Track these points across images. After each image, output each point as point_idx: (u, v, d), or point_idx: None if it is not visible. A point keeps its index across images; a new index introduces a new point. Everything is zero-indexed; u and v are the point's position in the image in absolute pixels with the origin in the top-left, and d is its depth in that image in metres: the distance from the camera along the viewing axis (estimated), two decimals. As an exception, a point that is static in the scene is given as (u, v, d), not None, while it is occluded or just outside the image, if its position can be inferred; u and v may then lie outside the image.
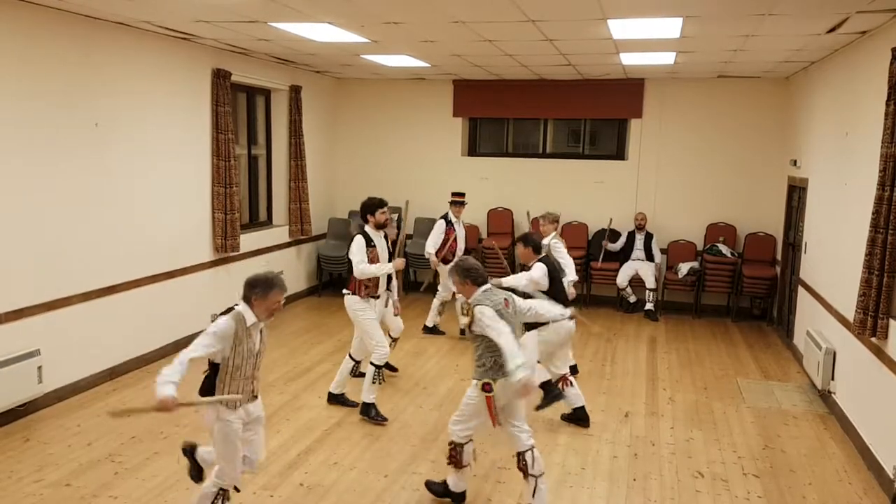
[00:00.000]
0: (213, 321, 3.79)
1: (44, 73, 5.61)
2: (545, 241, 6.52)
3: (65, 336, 5.93)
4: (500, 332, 3.95)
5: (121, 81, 6.42)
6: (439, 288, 8.25)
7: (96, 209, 6.23)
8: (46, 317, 5.74)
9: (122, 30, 6.37)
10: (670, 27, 5.77)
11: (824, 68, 7.24)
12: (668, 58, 7.51)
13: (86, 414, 5.73)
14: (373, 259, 5.74)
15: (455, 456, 4.36)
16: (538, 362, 5.41)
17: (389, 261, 5.94)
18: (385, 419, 5.70)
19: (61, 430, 5.42)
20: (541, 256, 5.65)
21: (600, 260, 9.51)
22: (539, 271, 5.54)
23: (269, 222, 9.51)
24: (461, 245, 8.21)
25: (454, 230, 8.12)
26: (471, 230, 10.26)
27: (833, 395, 6.07)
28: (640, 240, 9.54)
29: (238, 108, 8.75)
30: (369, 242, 5.75)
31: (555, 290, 5.52)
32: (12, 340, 5.43)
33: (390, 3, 5.19)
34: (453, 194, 8.39)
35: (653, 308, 9.37)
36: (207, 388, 3.78)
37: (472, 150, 10.79)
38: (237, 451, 3.83)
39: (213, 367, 3.76)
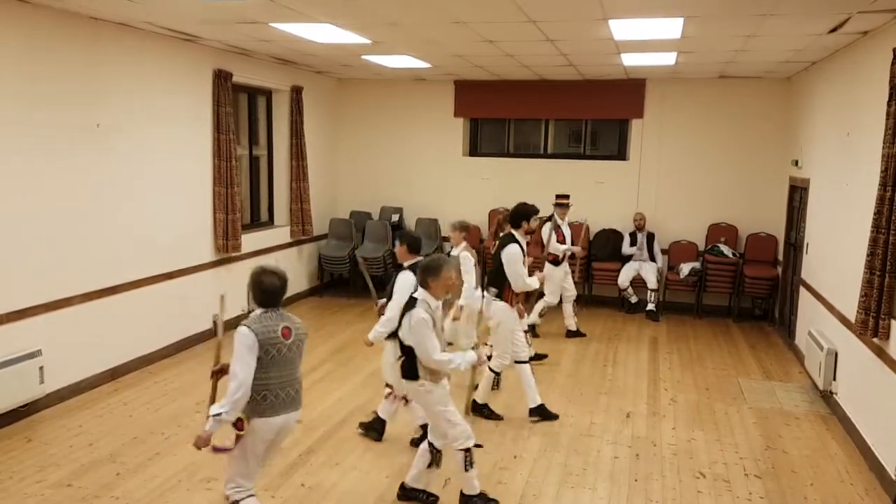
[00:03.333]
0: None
1: (45, 73, 5.62)
2: (454, 252, 6.12)
3: (66, 336, 5.93)
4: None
5: (122, 82, 6.43)
6: (546, 292, 8.08)
7: (97, 209, 6.24)
8: (48, 317, 5.75)
9: (123, 30, 6.37)
10: (671, 27, 5.77)
11: (825, 68, 7.24)
12: (669, 58, 7.50)
13: (87, 414, 5.73)
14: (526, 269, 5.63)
15: None
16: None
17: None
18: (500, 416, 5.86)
19: (63, 430, 5.42)
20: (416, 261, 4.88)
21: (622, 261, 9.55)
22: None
23: (270, 223, 9.51)
24: (569, 247, 8.24)
25: (562, 232, 8.14)
26: (472, 231, 10.26)
27: (835, 395, 6.06)
28: (640, 240, 9.54)
29: (239, 109, 8.76)
30: (523, 251, 5.63)
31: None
32: (14, 341, 5.43)
33: (391, 3, 5.19)
34: (557, 196, 8.28)
35: (654, 308, 9.36)
36: (409, 372, 4.12)
37: (473, 150, 10.78)
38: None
39: (408, 352, 4.08)
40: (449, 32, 6.24)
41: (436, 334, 4.02)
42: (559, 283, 8.10)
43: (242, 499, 3.63)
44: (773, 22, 5.43)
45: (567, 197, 8.32)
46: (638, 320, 9.30)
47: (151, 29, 6.51)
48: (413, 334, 3.99)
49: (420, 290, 4.10)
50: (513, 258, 5.55)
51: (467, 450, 4.19)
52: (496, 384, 6.11)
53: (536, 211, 5.81)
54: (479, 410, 5.80)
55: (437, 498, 4.40)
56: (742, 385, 6.82)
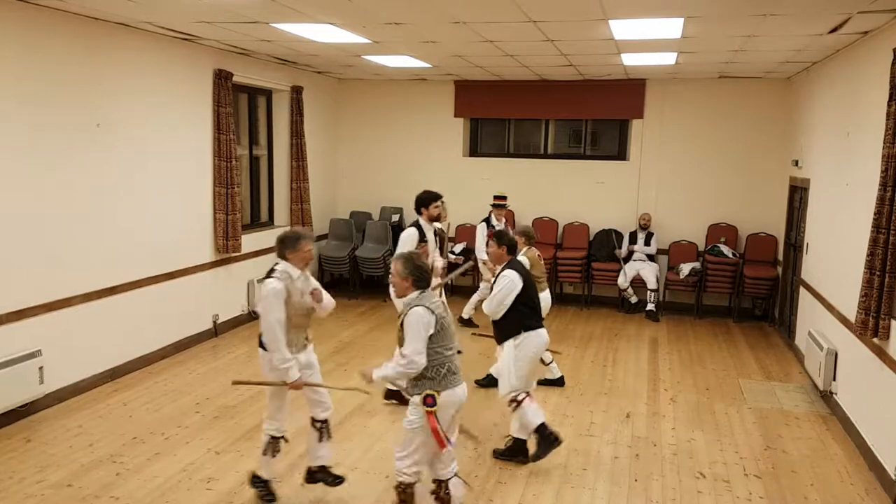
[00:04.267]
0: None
1: (45, 73, 5.61)
2: (519, 257, 6.06)
3: (66, 337, 5.93)
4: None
5: (122, 82, 6.43)
6: (481, 285, 8.30)
7: (97, 210, 6.23)
8: (48, 317, 5.75)
9: (123, 30, 6.37)
10: (671, 27, 5.77)
11: (826, 68, 7.24)
12: (669, 58, 7.50)
13: (87, 414, 5.73)
14: (423, 253, 5.65)
15: (406, 500, 3.83)
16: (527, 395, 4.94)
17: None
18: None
19: (63, 430, 5.42)
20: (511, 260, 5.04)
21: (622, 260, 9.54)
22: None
23: (270, 223, 9.51)
24: None
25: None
26: (472, 231, 10.25)
27: (834, 395, 6.06)
28: (642, 240, 9.55)
29: (239, 109, 8.75)
30: (422, 237, 5.68)
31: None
32: (14, 341, 5.43)
33: (391, 3, 5.19)
34: (495, 197, 8.41)
35: (654, 309, 9.36)
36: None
37: (474, 150, 10.79)
38: (283, 397, 4.20)
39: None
40: (449, 32, 6.24)
41: (294, 304, 4.05)
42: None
43: (414, 482, 3.86)
44: (773, 22, 5.43)
45: (504, 198, 8.44)
46: (638, 320, 9.30)
47: (151, 29, 6.51)
48: (261, 301, 4.02)
49: (280, 262, 4.12)
50: (403, 241, 5.69)
51: (275, 438, 4.30)
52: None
53: (437, 197, 5.96)
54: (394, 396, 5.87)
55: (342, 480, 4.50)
56: (742, 385, 6.82)
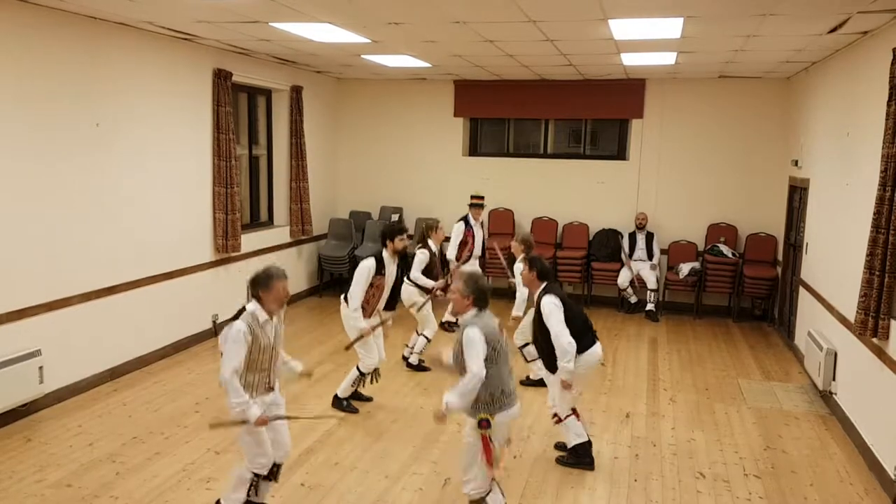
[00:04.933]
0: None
1: (45, 73, 5.61)
2: (517, 264, 6.31)
3: (66, 336, 5.93)
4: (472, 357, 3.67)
5: (122, 82, 6.43)
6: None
7: (97, 209, 6.23)
8: (47, 317, 5.75)
9: (123, 30, 6.37)
10: (671, 27, 5.77)
11: (825, 68, 7.24)
12: (668, 58, 7.50)
13: (87, 414, 5.73)
14: (377, 287, 5.71)
15: None
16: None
17: (394, 289, 5.94)
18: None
19: (62, 430, 5.42)
20: (547, 284, 4.98)
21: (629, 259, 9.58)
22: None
23: (269, 222, 9.51)
24: (478, 248, 8.35)
25: (472, 232, 8.25)
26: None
27: (834, 395, 6.06)
28: (641, 240, 9.55)
29: (239, 109, 8.75)
30: (380, 269, 5.67)
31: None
32: (13, 341, 5.43)
33: (391, 3, 5.19)
34: (472, 197, 8.46)
35: (654, 309, 9.37)
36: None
37: (473, 150, 10.79)
38: (260, 438, 3.99)
39: None
40: (449, 32, 6.24)
41: (260, 347, 3.86)
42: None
43: (487, 494, 3.87)
44: (772, 22, 5.43)
45: (482, 198, 8.51)
46: (637, 320, 9.30)
47: (151, 29, 6.51)
48: (225, 342, 3.86)
49: (252, 302, 3.92)
50: (358, 272, 5.66)
51: (258, 477, 4.04)
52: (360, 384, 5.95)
53: (402, 230, 5.94)
54: (339, 404, 5.96)
55: None
56: (741, 385, 6.82)
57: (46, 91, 5.64)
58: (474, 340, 3.69)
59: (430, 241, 6.97)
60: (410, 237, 6.40)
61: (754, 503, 4.57)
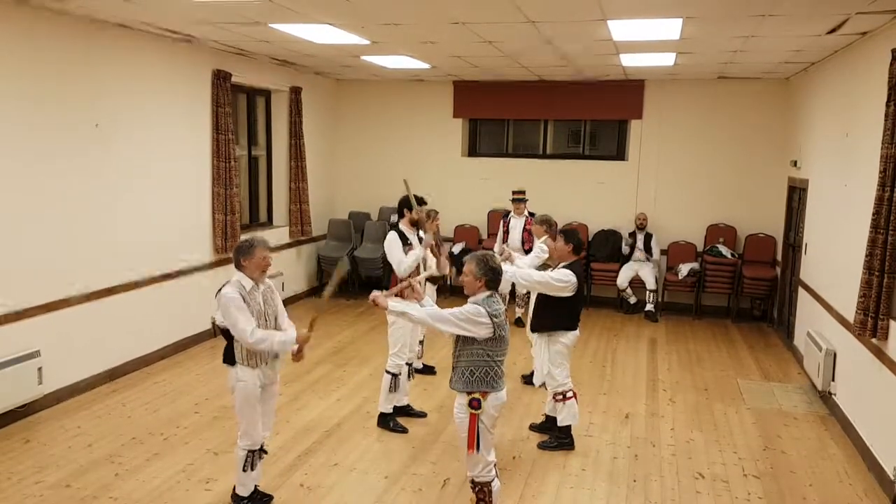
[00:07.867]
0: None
1: (44, 74, 5.61)
2: (537, 243, 6.46)
3: (65, 337, 5.93)
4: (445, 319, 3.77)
5: (121, 82, 6.43)
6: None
7: (96, 210, 6.23)
8: (46, 318, 5.74)
9: (122, 31, 6.37)
10: (670, 28, 5.77)
11: (824, 69, 7.25)
12: (668, 59, 7.51)
13: (86, 415, 5.72)
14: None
15: (483, 499, 3.92)
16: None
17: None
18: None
19: (61, 431, 5.42)
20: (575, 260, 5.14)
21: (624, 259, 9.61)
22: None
23: (269, 223, 9.51)
24: (515, 240, 8.38)
25: (508, 226, 8.49)
26: (471, 231, 10.28)
27: (833, 396, 6.07)
28: (640, 240, 9.55)
29: (238, 110, 8.75)
30: (404, 240, 5.59)
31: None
32: (12, 341, 5.42)
33: (390, 4, 5.19)
34: (513, 192, 8.60)
35: (653, 309, 9.37)
36: (229, 356, 4.08)
37: (473, 150, 10.79)
38: (256, 411, 4.10)
39: (228, 335, 4.05)
40: (448, 33, 6.24)
41: (253, 314, 3.97)
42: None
43: (493, 479, 3.94)
44: (771, 23, 5.43)
45: (522, 192, 8.54)
46: (637, 321, 9.30)
47: (150, 30, 6.50)
48: (224, 315, 3.97)
49: (236, 273, 4.05)
50: (388, 245, 5.59)
51: (252, 452, 4.17)
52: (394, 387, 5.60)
53: (420, 202, 5.74)
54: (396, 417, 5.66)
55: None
56: (741, 386, 6.83)
57: (46, 92, 5.64)
58: (480, 314, 3.72)
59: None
60: (432, 212, 6.17)
61: (753, 503, 4.57)
